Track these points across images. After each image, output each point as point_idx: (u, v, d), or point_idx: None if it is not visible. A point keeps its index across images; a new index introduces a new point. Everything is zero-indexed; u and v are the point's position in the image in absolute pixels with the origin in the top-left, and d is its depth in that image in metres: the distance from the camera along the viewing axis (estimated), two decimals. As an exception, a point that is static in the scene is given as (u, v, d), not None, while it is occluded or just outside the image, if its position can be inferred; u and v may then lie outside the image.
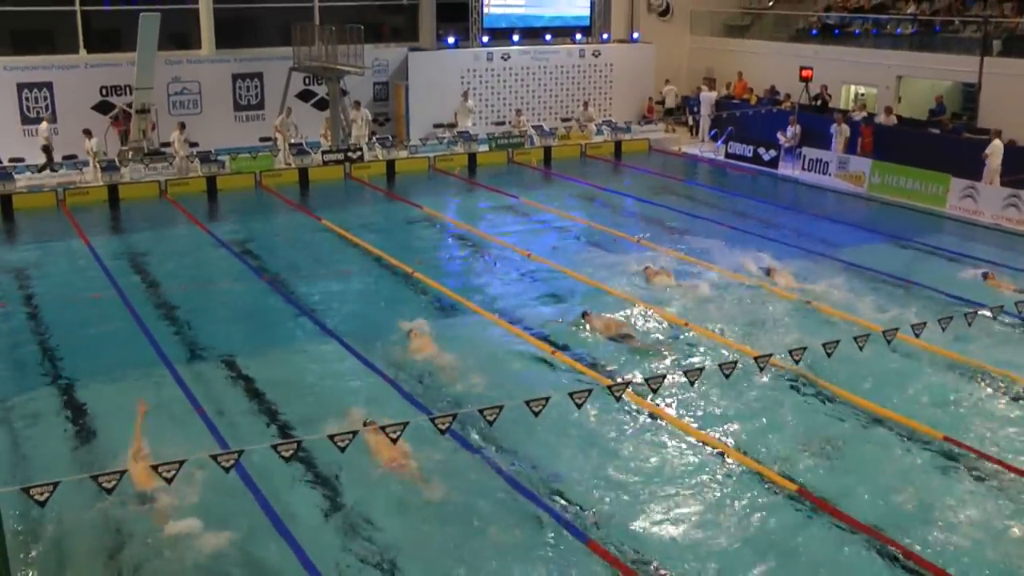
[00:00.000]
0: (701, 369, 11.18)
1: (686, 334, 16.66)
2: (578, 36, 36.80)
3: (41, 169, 27.86)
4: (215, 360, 15.82)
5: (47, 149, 28.32)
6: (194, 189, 27.96)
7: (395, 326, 16.65)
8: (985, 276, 19.55)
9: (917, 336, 12.71)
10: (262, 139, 31.97)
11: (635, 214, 25.57)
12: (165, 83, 30.99)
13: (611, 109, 36.83)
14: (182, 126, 29.01)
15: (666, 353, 15.88)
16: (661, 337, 16.59)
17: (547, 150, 32.74)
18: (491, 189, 28.41)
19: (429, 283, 19.38)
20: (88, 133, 28.11)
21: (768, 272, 19.64)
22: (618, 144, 33.77)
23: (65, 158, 28.95)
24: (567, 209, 25.86)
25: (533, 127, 33.70)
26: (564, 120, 35.80)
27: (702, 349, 16.09)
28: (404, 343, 15.95)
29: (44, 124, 28.75)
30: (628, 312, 17.61)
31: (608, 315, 17.13)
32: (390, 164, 30.57)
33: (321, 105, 33.18)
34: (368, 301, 18.52)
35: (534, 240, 22.66)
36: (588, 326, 16.75)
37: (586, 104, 35.62)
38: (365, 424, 12.35)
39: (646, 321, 17.29)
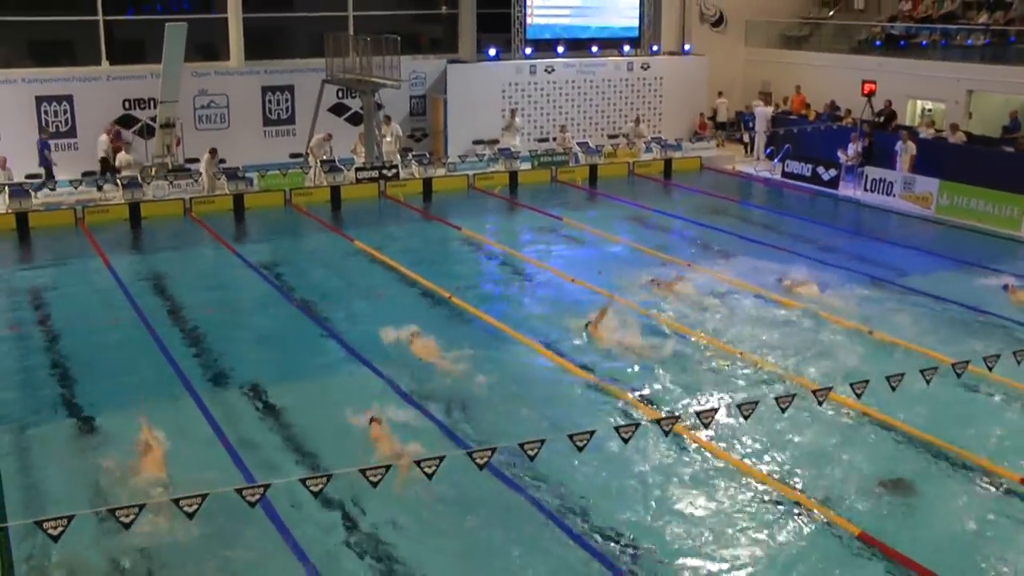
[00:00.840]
0: (755, 403, 11.12)
1: (739, 364, 16.60)
2: (626, 48, 36.88)
3: (100, 183, 28.28)
4: (240, 387, 15.93)
5: (105, 161, 29.00)
6: (220, 207, 28.24)
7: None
8: (1006, 288, 20.05)
9: (990, 369, 12.58)
10: (292, 155, 32.31)
11: (685, 236, 25.51)
12: (191, 96, 31.38)
13: (661, 125, 36.83)
14: (213, 153, 29.27)
15: (717, 383, 15.83)
16: (715, 367, 16.54)
17: (592, 168, 32.79)
18: (533, 209, 28.49)
19: (467, 308, 19.45)
20: (126, 146, 28.73)
21: (785, 286, 20.36)
22: (668, 162, 33.76)
23: (85, 175, 29.36)
24: (613, 231, 25.88)
25: (578, 144, 33.80)
26: (611, 137, 35.87)
27: (755, 379, 16.01)
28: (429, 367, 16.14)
29: (104, 136, 29.44)
30: (679, 341, 17.60)
31: (612, 325, 17.69)
32: (427, 182, 30.73)
33: (354, 119, 33.45)
34: (402, 327, 18.55)
35: (578, 264, 22.67)
36: (591, 335, 17.56)
37: (638, 120, 35.65)
38: (371, 421, 13.62)
39: (697, 350, 17.25)
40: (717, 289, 20.58)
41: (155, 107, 29.83)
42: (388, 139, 31.56)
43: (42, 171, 28.94)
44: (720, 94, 38.15)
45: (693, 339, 17.82)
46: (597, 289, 20.54)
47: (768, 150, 34.02)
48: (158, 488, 12.47)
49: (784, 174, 32.24)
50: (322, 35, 32.15)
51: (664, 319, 18.78)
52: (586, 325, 18.02)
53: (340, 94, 33.53)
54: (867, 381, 11.64)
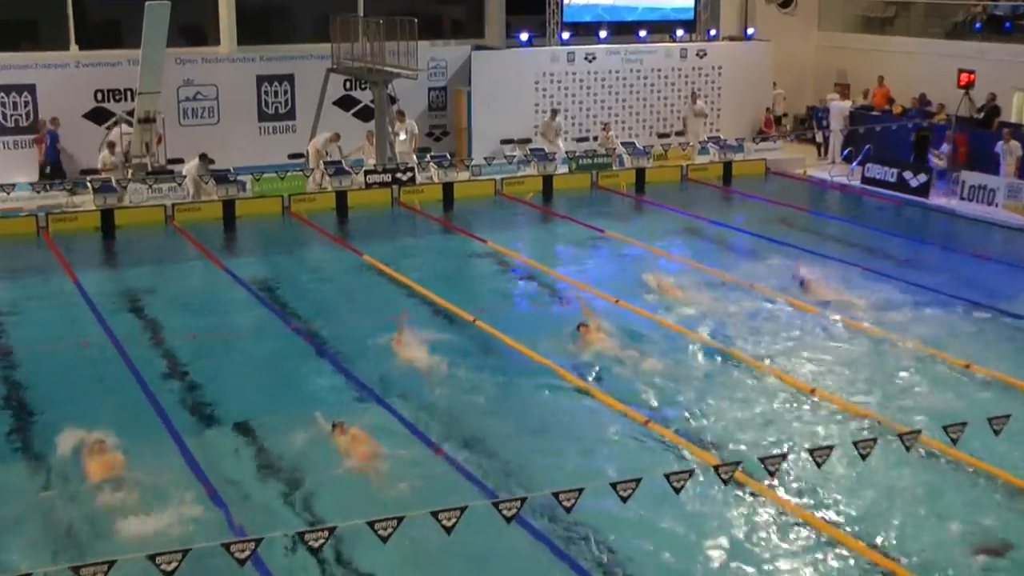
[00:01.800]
0: (830, 447, 11.02)
1: (804, 396, 16.55)
2: (679, 32, 36.93)
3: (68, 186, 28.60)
4: (228, 425, 15.95)
5: (125, 155, 29.43)
6: (207, 216, 28.36)
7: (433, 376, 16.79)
8: (802, 284, 21.65)
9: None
10: (292, 156, 32.46)
11: (747, 252, 25.42)
12: (175, 87, 31.59)
13: (719, 122, 36.83)
14: (204, 158, 29.42)
15: (781, 420, 15.77)
16: (779, 400, 16.47)
17: (639, 173, 32.75)
18: (571, 220, 28.49)
19: (494, 334, 19.41)
20: (110, 145, 29.04)
21: (802, 284, 21.41)
22: (727, 166, 33.72)
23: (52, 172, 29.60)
24: (663, 245, 25.84)
25: (623, 144, 33.83)
26: (661, 136, 35.86)
27: (827, 416, 15.99)
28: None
29: (117, 129, 30.00)
30: (739, 370, 17.54)
31: (605, 330, 18.64)
32: (447, 188, 30.80)
33: (364, 115, 33.64)
34: (416, 354, 18.54)
35: (622, 283, 22.63)
36: (582, 340, 18.47)
37: (694, 96, 35.54)
38: (334, 426, 14.76)
39: (758, 380, 17.21)
40: (783, 312, 20.54)
41: (132, 99, 29.99)
42: (403, 137, 31.65)
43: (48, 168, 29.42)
44: (775, 85, 38.14)
45: (757, 370, 17.75)
46: (645, 312, 20.50)
47: (845, 152, 33.90)
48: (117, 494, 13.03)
49: (864, 180, 32.10)
50: (327, 17, 32.37)
51: (722, 345, 18.76)
52: (578, 327, 18.70)
53: (348, 85, 33.68)
54: (965, 424, 11.51)
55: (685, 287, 21.94)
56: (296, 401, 16.80)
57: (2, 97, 30.39)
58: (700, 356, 18.42)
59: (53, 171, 29.66)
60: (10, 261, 25.04)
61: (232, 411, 16.41)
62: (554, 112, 33.89)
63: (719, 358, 18.35)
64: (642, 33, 36.42)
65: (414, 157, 31.65)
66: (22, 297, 22.42)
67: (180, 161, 30.17)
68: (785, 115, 38.62)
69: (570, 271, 23.97)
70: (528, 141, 33.88)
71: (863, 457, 11.10)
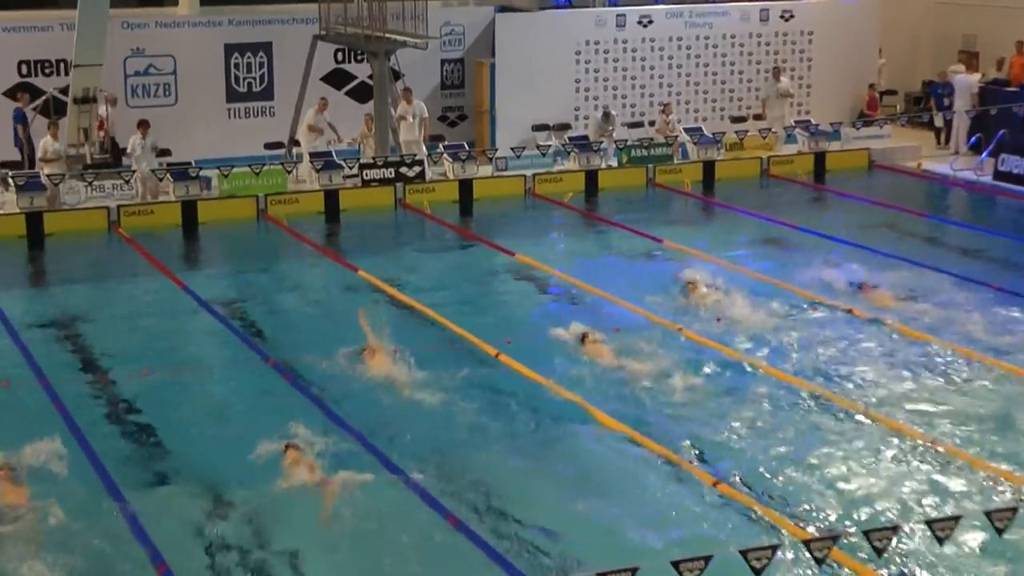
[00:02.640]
0: (956, 518, 10.91)
1: (927, 453, 16.49)
2: (759, -12, 37.01)
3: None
4: (188, 485, 15.90)
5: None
6: (163, 221, 28.50)
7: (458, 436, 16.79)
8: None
9: None
10: (269, 145, 32.51)
11: (844, 268, 25.23)
12: (122, 58, 31.76)
13: (809, 103, 36.75)
14: (144, 126, 29.54)
15: (890, 478, 15.70)
16: (896, 460, 16.38)
17: (708, 167, 32.79)
18: (620, 227, 28.47)
19: (521, 371, 19.33)
20: (53, 127, 29.06)
21: (860, 287, 22.40)
22: (820, 157, 33.74)
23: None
24: (737, 259, 25.78)
25: (687, 131, 33.82)
26: (735, 121, 35.80)
27: (951, 478, 15.85)
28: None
29: (106, 107, 30.36)
30: (840, 419, 17.48)
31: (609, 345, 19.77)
32: (465, 186, 30.88)
33: (360, 94, 33.79)
34: (426, 397, 18.50)
35: (687, 307, 22.56)
36: (585, 351, 19.64)
37: (777, 72, 35.46)
38: (287, 448, 15.87)
39: (863, 429, 17.12)
40: (888, 342, 20.54)
41: (67, 73, 30.15)
42: (409, 121, 31.61)
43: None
44: (881, 54, 38.07)
45: (857, 415, 17.71)
46: (712, 343, 20.42)
47: (972, 139, 33.77)
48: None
49: (997, 175, 31.99)
50: (313, -32, 32.51)
51: (812, 384, 18.72)
52: (583, 337, 19.84)
53: (340, 56, 33.84)
54: None
55: (763, 311, 21.91)
56: (271, 456, 16.69)
57: None
58: (783, 398, 18.35)
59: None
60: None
61: (191, 466, 16.38)
62: (606, 114, 33.80)
63: (809, 401, 18.30)
64: (712, -10, 36.48)
65: (423, 147, 31.69)
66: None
67: (127, 153, 30.14)
68: (894, 93, 38.44)
69: (619, 289, 23.81)
70: (567, 127, 33.94)
71: (999, 532, 10.99)
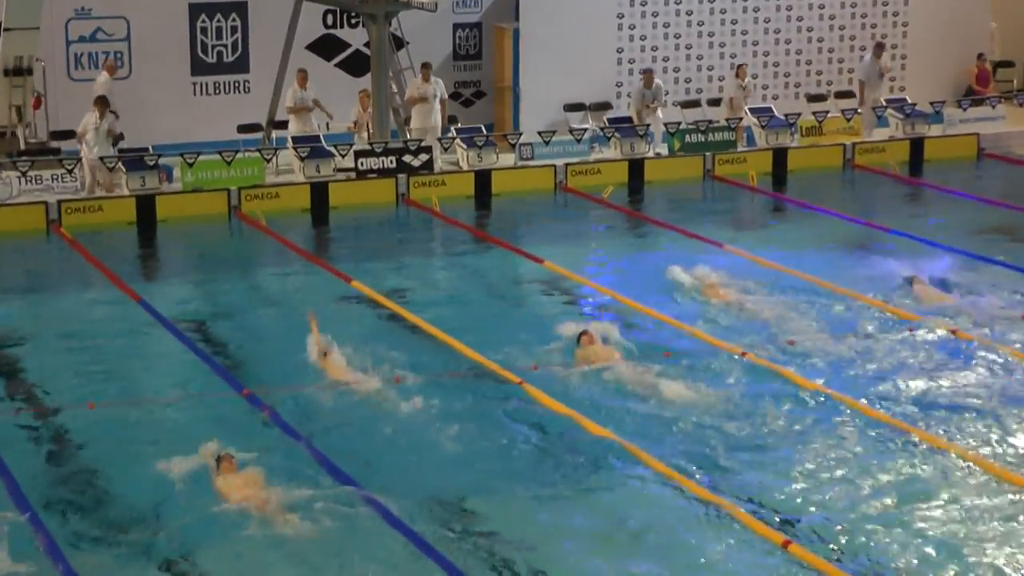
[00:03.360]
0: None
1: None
2: (843, -62, 36.97)
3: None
4: (139, 542, 15.82)
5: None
6: (113, 218, 28.65)
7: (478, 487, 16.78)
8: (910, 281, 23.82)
9: None
10: (243, 127, 32.51)
11: (948, 279, 25.21)
12: (63, 20, 31.85)
13: (904, 79, 36.67)
14: (102, 103, 29.52)
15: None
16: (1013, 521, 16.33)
17: (779, 155, 32.89)
18: (670, 228, 28.44)
19: (549, 404, 19.31)
20: None
21: (910, 282, 23.42)
22: (917, 144, 33.79)
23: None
24: (814, 268, 25.70)
25: (752, 112, 33.85)
26: (813, 100, 35.68)
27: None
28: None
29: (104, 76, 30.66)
30: (940, 467, 17.40)
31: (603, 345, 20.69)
32: (482, 178, 31.08)
33: (355, 66, 33.86)
34: (435, 435, 18.55)
35: (749, 324, 22.58)
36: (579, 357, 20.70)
37: (880, 47, 35.39)
38: (219, 459, 16.78)
39: (972, 477, 17.04)
40: (1006, 378, 20.32)
41: (-4, 40, 30.33)
42: (428, 101, 31.46)
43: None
44: (991, 15, 38.04)
45: (965, 463, 17.54)
46: (779, 368, 20.38)
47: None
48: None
49: None
50: (297, -89, 32.58)
51: (906, 423, 18.60)
52: (580, 335, 20.94)
53: (330, 20, 33.93)
54: None
55: (848, 333, 21.92)
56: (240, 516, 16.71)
57: None
58: (872, 439, 18.19)
59: None
60: None
61: (146, 520, 16.28)
62: (648, 74, 33.71)
63: (904, 443, 18.16)
64: (783, -58, 36.48)
65: (438, 133, 31.76)
66: None
67: (70, 136, 30.25)
68: (1010, 64, 38.27)
69: (666, 306, 23.76)
70: (607, 107, 33.97)
71: None
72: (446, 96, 32.46)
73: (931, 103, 34.78)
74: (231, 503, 15.90)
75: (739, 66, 34.49)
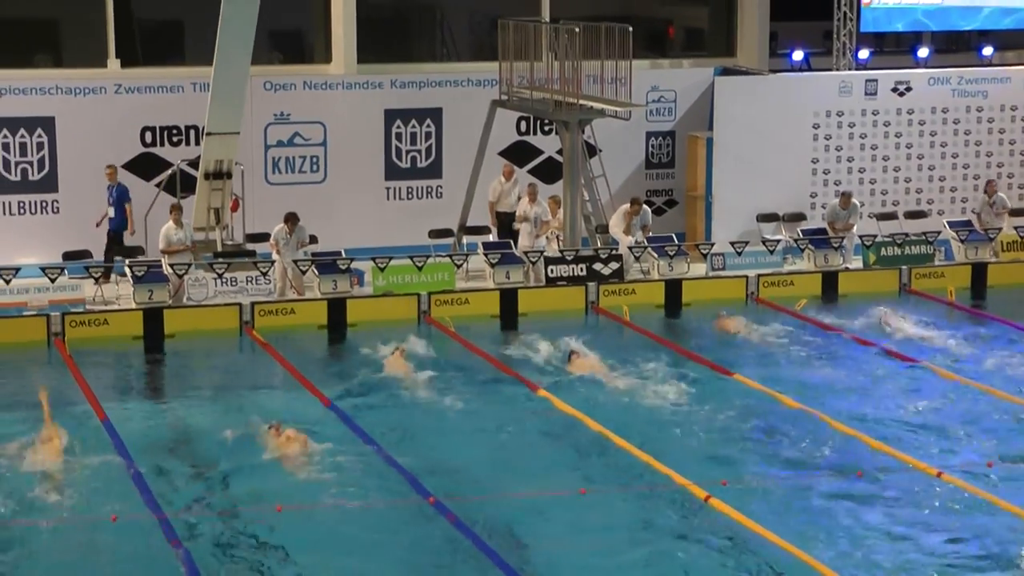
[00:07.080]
0: None
1: None
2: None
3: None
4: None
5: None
6: (302, 320, 28.87)
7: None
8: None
9: None
10: (435, 233, 32.62)
11: None
12: (262, 124, 32.28)
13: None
14: (292, 220, 29.83)
15: None
16: None
17: (978, 270, 32.48)
18: (865, 343, 28.05)
19: (737, 518, 18.71)
20: (176, 211, 29.57)
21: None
22: None
23: (68, 256, 30.03)
24: (1012, 385, 25.18)
25: (951, 225, 33.38)
26: (1015, 214, 35.09)
27: None
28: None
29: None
30: None
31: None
32: (672, 287, 31.02)
33: (548, 173, 33.94)
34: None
35: (960, 452, 22.06)
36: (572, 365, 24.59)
37: (990, 188, 34.79)
38: (270, 428, 20.61)
39: None
40: None
41: (199, 142, 30.59)
42: (531, 219, 31.64)
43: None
44: None
45: None
46: (994, 498, 19.61)
47: None
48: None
49: None
50: (493, 22, 32.78)
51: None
52: (570, 355, 24.66)
53: (523, 127, 33.97)
54: None
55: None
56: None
57: (6, 137, 31.19)
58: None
59: (115, 246, 30.51)
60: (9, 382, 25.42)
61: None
62: (846, 197, 33.45)
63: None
64: (987, 50, 36.08)
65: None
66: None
67: (265, 238, 30.51)
68: None
69: (865, 423, 23.28)
70: (801, 218, 33.67)
71: None
72: (650, 221, 32.54)
73: None
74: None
75: (988, 182, 34.33)
